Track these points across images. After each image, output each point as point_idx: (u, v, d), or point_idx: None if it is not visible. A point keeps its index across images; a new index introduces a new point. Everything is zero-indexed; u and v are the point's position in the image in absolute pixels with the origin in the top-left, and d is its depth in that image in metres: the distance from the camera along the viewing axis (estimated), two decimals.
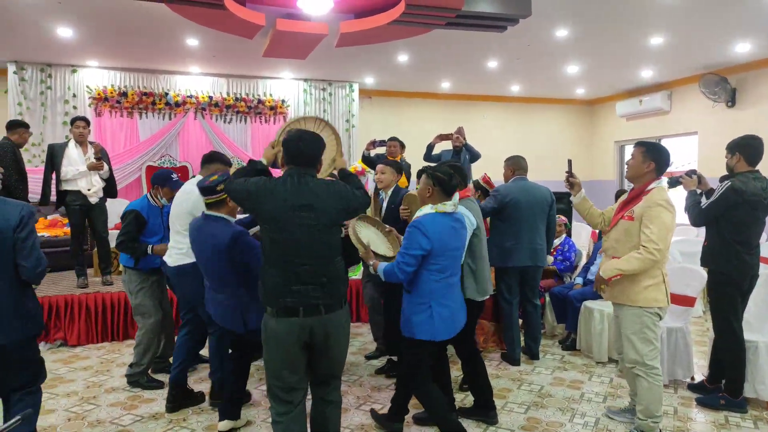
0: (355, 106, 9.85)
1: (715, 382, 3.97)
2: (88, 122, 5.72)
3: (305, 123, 3.08)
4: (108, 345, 5.26)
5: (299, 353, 2.55)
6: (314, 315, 2.50)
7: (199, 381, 4.30)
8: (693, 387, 4.13)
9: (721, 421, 3.64)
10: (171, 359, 4.31)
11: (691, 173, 3.87)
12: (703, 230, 3.94)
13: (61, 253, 6.45)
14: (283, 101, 9.43)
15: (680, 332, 4.29)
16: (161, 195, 4.11)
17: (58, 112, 8.32)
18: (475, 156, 6.67)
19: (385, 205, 4.30)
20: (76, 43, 7.16)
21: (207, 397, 3.86)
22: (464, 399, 3.97)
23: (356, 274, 5.74)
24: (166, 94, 8.79)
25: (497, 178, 4.96)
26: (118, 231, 4.08)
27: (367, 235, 3.39)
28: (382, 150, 6.44)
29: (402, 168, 4.52)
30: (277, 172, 2.74)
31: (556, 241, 5.61)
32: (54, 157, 5.54)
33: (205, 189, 3.19)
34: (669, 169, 3.43)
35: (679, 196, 4.05)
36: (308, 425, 2.75)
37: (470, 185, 5.42)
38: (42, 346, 5.08)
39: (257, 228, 3.66)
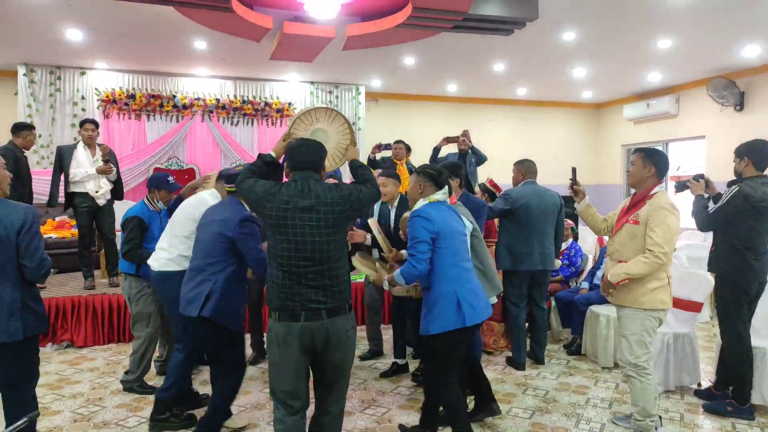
0: (362, 108, 9.87)
1: (722, 388, 3.93)
2: (97, 125, 5.76)
3: (316, 113, 3.03)
4: (114, 346, 5.29)
5: (300, 358, 2.54)
6: (316, 319, 2.49)
7: (205, 383, 4.29)
8: (700, 393, 4.10)
9: (728, 428, 3.61)
10: None
11: (698, 177, 3.85)
12: (710, 235, 3.92)
13: (68, 255, 6.50)
14: (289, 104, 9.45)
15: (687, 338, 4.26)
16: (158, 198, 4.05)
17: (67, 113, 8.39)
18: (481, 159, 6.66)
19: (393, 217, 4.25)
20: (85, 46, 7.21)
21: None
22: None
23: (360, 277, 5.75)
24: (174, 96, 8.84)
25: (503, 181, 4.95)
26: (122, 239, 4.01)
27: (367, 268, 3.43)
28: (388, 153, 6.45)
29: (399, 177, 4.50)
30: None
31: (563, 245, 5.60)
32: (62, 159, 5.58)
33: (229, 176, 3.22)
34: (677, 173, 3.44)
35: (686, 200, 4.03)
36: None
37: (477, 188, 5.42)
38: (48, 347, 5.12)
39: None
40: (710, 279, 4.11)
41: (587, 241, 7.50)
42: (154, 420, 3.49)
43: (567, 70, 8.53)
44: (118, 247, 5.50)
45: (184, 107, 8.90)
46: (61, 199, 5.73)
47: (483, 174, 6.52)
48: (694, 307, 4.28)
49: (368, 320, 4.96)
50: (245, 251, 3.06)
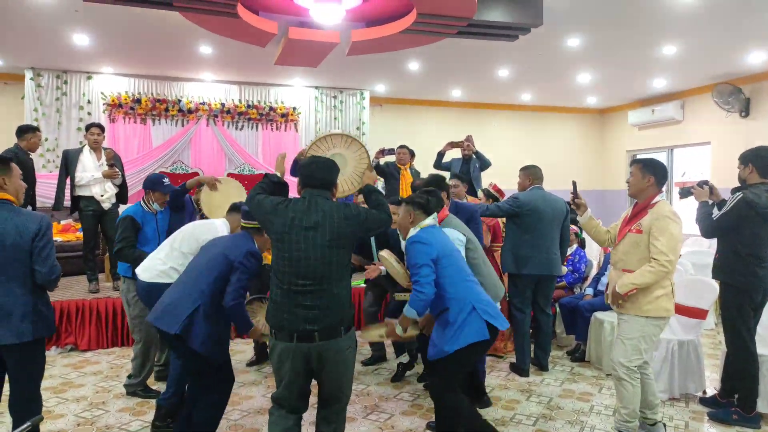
0: (366, 113, 9.88)
1: (727, 396, 3.91)
2: (102, 129, 5.79)
3: (333, 139, 3.11)
4: (118, 350, 5.30)
5: (298, 374, 2.55)
6: (308, 341, 2.47)
7: None
8: (705, 401, 4.07)
9: None
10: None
11: (702, 184, 3.85)
12: (715, 242, 3.91)
13: (73, 258, 6.53)
14: (294, 108, 9.48)
15: (692, 345, 4.24)
16: (152, 200, 4.03)
17: (73, 118, 8.43)
18: (485, 164, 6.67)
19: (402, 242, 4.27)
20: (91, 50, 7.26)
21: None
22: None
23: (362, 282, 5.74)
24: (179, 100, 8.88)
25: (507, 187, 4.94)
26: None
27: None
28: (392, 158, 6.45)
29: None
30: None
31: (568, 251, 5.58)
32: (68, 163, 5.61)
33: (247, 213, 3.13)
34: (682, 180, 3.47)
35: (690, 206, 4.02)
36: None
37: (480, 193, 5.43)
38: (53, 351, 5.13)
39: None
40: (715, 286, 4.10)
41: (592, 248, 7.48)
42: (155, 426, 3.49)
43: (571, 75, 8.53)
44: None
45: (189, 111, 8.93)
46: (67, 202, 5.76)
47: (487, 179, 6.52)
48: (699, 314, 4.26)
49: (366, 325, 4.95)
50: (233, 278, 2.91)
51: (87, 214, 5.62)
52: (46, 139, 8.03)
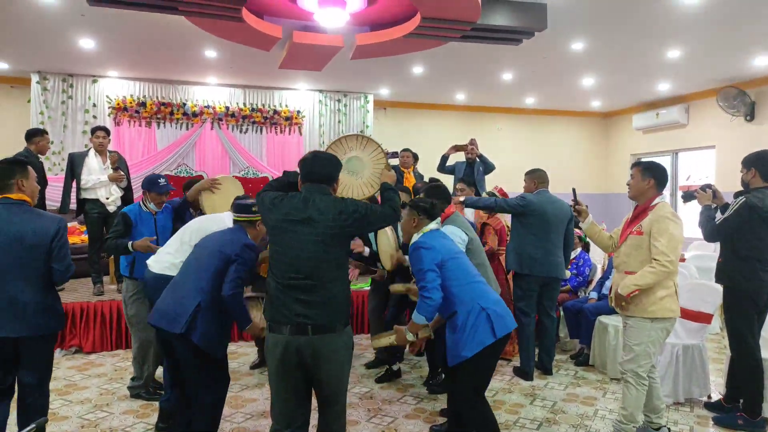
0: (370, 117, 9.90)
1: (732, 401, 3.89)
2: (108, 132, 5.83)
3: (347, 141, 3.08)
4: (122, 352, 5.31)
5: (288, 373, 2.49)
6: (301, 334, 2.42)
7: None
8: (710, 406, 4.05)
9: None
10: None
11: (705, 188, 3.84)
12: (719, 245, 3.89)
13: (77, 260, 6.50)
14: (298, 112, 9.51)
15: (696, 349, 4.22)
16: (149, 200, 4.02)
17: (78, 121, 8.49)
18: (489, 167, 6.67)
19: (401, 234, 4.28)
20: (97, 54, 7.31)
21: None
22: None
23: (366, 285, 5.75)
24: (184, 104, 8.92)
25: (511, 190, 4.95)
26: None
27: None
28: (395, 161, 6.47)
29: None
30: None
31: (572, 254, 5.57)
32: (74, 166, 5.65)
33: (238, 206, 3.20)
34: (687, 183, 3.47)
35: (694, 210, 4.01)
36: None
37: (484, 195, 5.42)
38: (57, 353, 5.14)
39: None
40: (720, 290, 4.08)
41: (596, 251, 7.47)
42: (159, 429, 3.50)
43: (576, 79, 8.53)
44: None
45: (194, 115, 8.97)
46: (72, 205, 5.80)
47: (490, 183, 6.52)
48: (704, 318, 4.24)
49: (371, 328, 4.96)
50: (231, 269, 2.93)
51: (92, 216, 5.65)
52: (52, 143, 8.07)
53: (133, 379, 4.15)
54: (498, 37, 5.88)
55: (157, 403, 3.95)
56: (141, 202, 4.06)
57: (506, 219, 5.36)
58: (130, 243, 3.85)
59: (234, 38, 6.06)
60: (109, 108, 8.60)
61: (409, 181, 6.43)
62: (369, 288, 5.12)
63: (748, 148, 4.23)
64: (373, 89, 9.58)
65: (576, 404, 4.16)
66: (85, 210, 5.69)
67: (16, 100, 8.53)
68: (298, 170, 2.73)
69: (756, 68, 7.67)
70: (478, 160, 6.64)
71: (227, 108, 9.14)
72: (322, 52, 6.35)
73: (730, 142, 8.72)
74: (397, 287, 3.87)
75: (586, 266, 5.66)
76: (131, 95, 8.71)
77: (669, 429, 3.48)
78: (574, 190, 3.80)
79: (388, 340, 3.24)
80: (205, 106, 9.03)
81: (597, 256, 6.85)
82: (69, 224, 7.29)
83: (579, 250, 5.69)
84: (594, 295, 5.29)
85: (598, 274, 5.76)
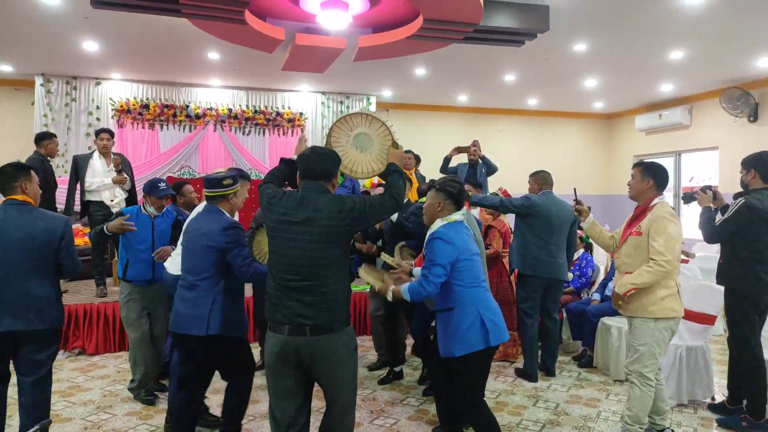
0: None
1: (736, 402, 3.88)
2: (112, 134, 5.86)
3: (353, 119, 2.97)
4: (125, 354, 5.30)
5: (286, 372, 2.48)
6: (299, 335, 2.41)
7: (214, 392, 4.29)
8: (713, 407, 4.04)
9: None
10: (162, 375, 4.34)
11: (705, 189, 3.86)
12: None
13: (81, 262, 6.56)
14: (301, 114, 9.52)
15: (700, 351, 4.21)
16: (149, 204, 4.01)
17: (82, 123, 8.51)
18: (492, 169, 6.66)
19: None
20: (100, 57, 7.33)
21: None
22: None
23: (366, 288, 5.75)
24: (187, 106, 8.94)
25: (513, 192, 4.94)
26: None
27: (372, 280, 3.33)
28: None
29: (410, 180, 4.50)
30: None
31: (575, 255, 5.57)
32: (78, 169, 5.68)
33: (209, 181, 3.11)
34: (690, 185, 3.47)
35: (695, 212, 4.01)
36: None
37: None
38: (60, 355, 5.16)
39: None
40: (723, 291, 4.07)
41: (600, 253, 7.46)
42: (166, 428, 3.50)
43: (578, 80, 8.52)
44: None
45: (197, 117, 8.99)
46: (77, 207, 5.82)
47: (493, 184, 6.52)
48: (707, 319, 4.23)
49: (373, 330, 4.96)
50: (230, 260, 2.96)
51: (97, 218, 5.66)
52: (57, 143, 8.10)
53: (131, 380, 4.14)
54: (500, 38, 5.88)
55: (161, 405, 4.00)
56: (141, 205, 4.06)
57: (510, 222, 5.36)
58: (105, 225, 3.84)
59: (237, 40, 6.07)
60: (112, 110, 8.63)
61: (412, 182, 6.42)
62: (369, 290, 5.12)
63: (751, 149, 4.23)
64: (375, 91, 9.58)
65: (579, 406, 4.15)
66: (89, 212, 5.71)
67: (20, 102, 8.57)
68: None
69: (759, 69, 7.65)
70: (480, 161, 6.63)
71: (230, 110, 9.16)
72: (324, 54, 6.36)
73: (734, 143, 8.70)
74: (387, 258, 3.81)
75: (589, 267, 5.65)
76: (134, 97, 8.73)
77: (673, 431, 3.47)
78: (575, 190, 3.84)
79: (374, 280, 3.16)
80: (208, 108, 9.05)
81: (600, 258, 6.84)
82: (73, 226, 7.34)
83: (581, 251, 5.68)
84: (597, 296, 5.28)
85: (601, 276, 5.75)
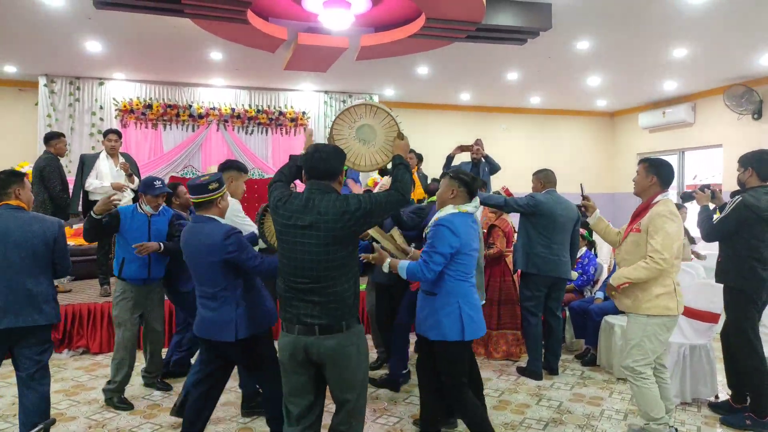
0: None
1: (741, 401, 3.87)
2: (120, 135, 5.90)
3: (356, 110, 2.91)
4: None
5: (298, 371, 2.52)
6: (309, 334, 2.45)
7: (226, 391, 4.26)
8: (716, 407, 4.02)
9: None
10: (162, 374, 4.37)
11: (704, 188, 3.87)
12: None
13: (85, 262, 6.59)
14: (303, 113, 9.53)
15: (704, 349, 4.20)
16: (145, 202, 3.96)
17: (85, 123, 8.55)
18: (494, 168, 6.65)
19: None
20: (103, 57, 7.35)
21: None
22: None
23: (362, 287, 5.73)
24: (190, 106, 8.96)
25: (517, 191, 4.94)
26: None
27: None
28: None
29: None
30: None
31: (577, 254, 5.56)
32: (84, 168, 5.71)
33: (194, 187, 2.99)
34: (693, 182, 3.48)
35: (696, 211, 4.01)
36: None
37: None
38: (65, 354, 5.19)
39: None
40: None
41: (602, 251, 7.44)
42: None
43: (581, 78, 8.50)
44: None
45: (200, 117, 9.02)
46: (80, 207, 5.85)
47: (496, 183, 6.51)
48: (711, 318, 4.22)
49: (371, 327, 4.94)
50: (240, 265, 2.92)
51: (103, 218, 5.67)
52: (68, 143, 8.14)
53: (108, 382, 4.02)
54: (503, 37, 5.88)
55: (163, 404, 4.03)
56: (137, 204, 4.00)
57: (513, 221, 5.35)
58: (92, 210, 3.78)
59: (239, 40, 6.09)
60: (115, 110, 8.66)
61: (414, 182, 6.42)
62: (365, 290, 5.07)
63: (755, 146, 4.22)
64: (378, 90, 9.58)
65: (582, 404, 4.14)
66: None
67: (23, 103, 8.61)
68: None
69: (763, 66, 7.62)
70: (483, 160, 6.62)
71: (233, 109, 9.18)
72: (327, 53, 6.37)
73: (738, 140, 8.67)
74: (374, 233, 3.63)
75: (591, 265, 5.64)
76: (138, 97, 8.76)
77: (676, 429, 3.47)
78: (581, 185, 3.82)
79: (385, 242, 3.15)
80: (211, 108, 9.07)
81: (603, 256, 6.83)
82: (76, 226, 7.36)
83: (584, 249, 5.67)
84: (600, 295, 5.27)
85: (604, 274, 5.74)
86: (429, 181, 6.32)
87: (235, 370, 3.64)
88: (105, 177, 5.68)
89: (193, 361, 4.47)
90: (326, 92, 9.66)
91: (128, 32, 6.30)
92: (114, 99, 8.66)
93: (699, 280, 4.69)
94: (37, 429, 3.02)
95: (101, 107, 8.61)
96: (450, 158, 6.83)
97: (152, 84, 8.84)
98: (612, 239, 3.66)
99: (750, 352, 3.65)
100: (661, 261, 3.14)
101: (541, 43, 6.28)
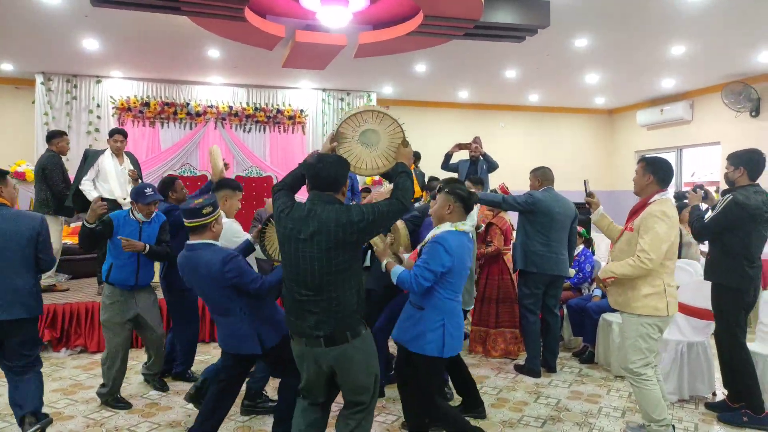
0: None
1: (737, 400, 3.87)
2: (125, 135, 5.92)
3: (363, 116, 2.92)
4: None
5: (313, 375, 2.63)
6: (316, 346, 2.51)
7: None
8: (712, 406, 4.01)
9: None
10: (164, 373, 4.37)
11: (696, 188, 3.90)
12: None
13: (82, 261, 6.58)
14: (301, 111, 9.52)
15: (701, 347, 4.21)
16: (137, 210, 3.89)
17: (82, 121, 8.53)
18: (492, 166, 6.66)
19: None
20: (101, 55, 7.33)
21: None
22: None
23: None
24: (188, 104, 8.94)
25: (515, 188, 4.94)
26: None
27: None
28: None
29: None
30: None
31: (575, 251, 5.56)
32: (86, 162, 5.71)
33: (188, 211, 2.93)
34: (692, 180, 3.50)
35: None
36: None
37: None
38: (62, 353, 5.18)
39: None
40: None
41: (600, 248, 7.45)
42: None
43: (579, 76, 8.50)
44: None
45: (198, 115, 9.00)
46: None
47: (494, 181, 6.51)
48: (708, 315, 4.21)
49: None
50: (243, 288, 2.91)
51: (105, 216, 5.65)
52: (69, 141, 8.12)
53: (102, 385, 4.01)
54: (501, 34, 5.87)
55: (161, 403, 4.04)
56: (129, 211, 3.93)
57: (512, 219, 5.35)
58: (84, 219, 3.75)
59: (237, 38, 6.07)
60: (113, 108, 8.64)
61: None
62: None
63: (753, 144, 4.24)
64: (376, 87, 9.57)
65: (580, 402, 4.15)
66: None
67: (20, 101, 8.58)
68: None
69: (761, 64, 7.62)
70: (481, 158, 6.63)
71: (230, 107, 9.16)
72: (324, 50, 6.35)
73: (736, 138, 8.66)
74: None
75: (588, 262, 5.64)
76: (135, 95, 8.74)
77: (674, 426, 3.47)
78: (585, 182, 3.83)
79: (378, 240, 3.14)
80: (209, 106, 9.05)
81: (601, 254, 6.83)
82: (74, 224, 7.34)
83: (581, 247, 5.67)
84: (598, 292, 5.27)
85: None
86: (427, 179, 6.32)
87: None
88: (109, 176, 5.69)
89: (192, 369, 4.52)
90: (324, 90, 9.64)
91: (125, 30, 6.28)
92: (111, 97, 8.64)
93: (697, 278, 4.70)
94: (34, 429, 3.03)
95: (98, 105, 8.58)
96: (448, 156, 6.83)
97: (149, 82, 8.82)
98: (614, 236, 3.66)
99: (739, 350, 3.68)
100: (647, 261, 3.15)
101: (540, 40, 6.27)
